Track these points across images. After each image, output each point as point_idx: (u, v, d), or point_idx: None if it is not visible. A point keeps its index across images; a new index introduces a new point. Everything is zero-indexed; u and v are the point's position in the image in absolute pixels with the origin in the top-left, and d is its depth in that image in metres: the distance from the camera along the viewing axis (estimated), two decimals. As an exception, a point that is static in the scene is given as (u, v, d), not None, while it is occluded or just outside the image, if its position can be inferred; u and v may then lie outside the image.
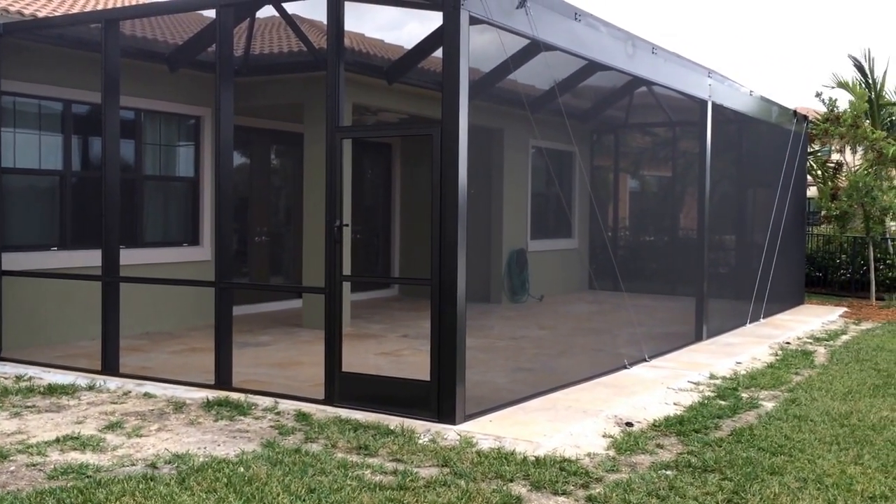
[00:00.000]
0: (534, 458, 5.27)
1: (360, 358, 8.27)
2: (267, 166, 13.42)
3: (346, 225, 6.85)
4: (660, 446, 5.69)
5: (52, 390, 7.10)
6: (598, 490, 4.76)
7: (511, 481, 4.89)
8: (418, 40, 10.41)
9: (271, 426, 6.07)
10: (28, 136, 9.51)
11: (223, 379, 7.21)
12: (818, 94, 17.18)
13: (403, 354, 9.03)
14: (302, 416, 6.27)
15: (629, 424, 6.17)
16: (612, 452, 5.52)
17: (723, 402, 6.97)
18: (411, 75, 11.15)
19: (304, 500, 4.53)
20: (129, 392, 7.14)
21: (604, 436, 5.89)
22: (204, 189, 11.22)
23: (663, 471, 5.12)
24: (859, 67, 18.02)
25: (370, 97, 11.18)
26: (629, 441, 5.71)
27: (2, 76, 8.40)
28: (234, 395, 6.83)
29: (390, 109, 12.05)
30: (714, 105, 10.57)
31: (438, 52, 10.45)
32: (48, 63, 9.31)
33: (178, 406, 6.64)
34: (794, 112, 13.90)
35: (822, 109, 17.91)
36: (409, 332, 10.53)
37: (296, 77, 10.83)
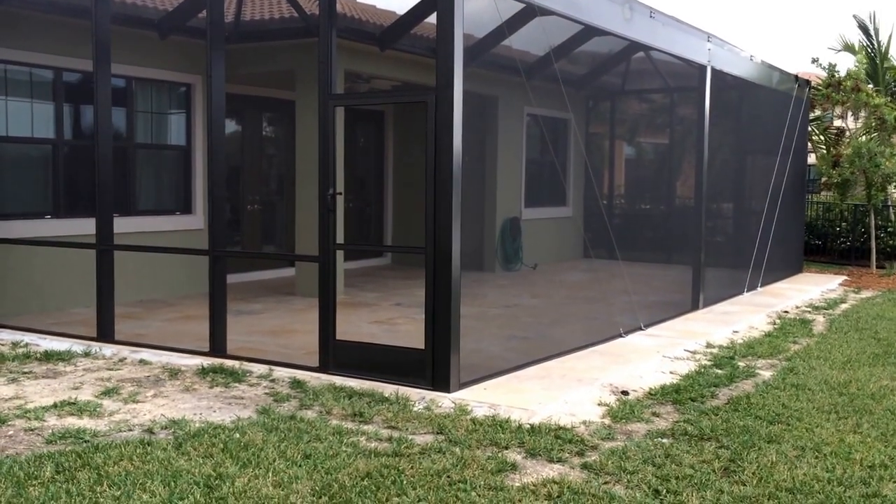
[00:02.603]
0: (528, 426, 5.34)
1: (353, 326, 8.33)
2: (258, 134, 13.37)
3: (340, 193, 6.86)
4: (656, 415, 5.76)
5: (48, 356, 7.16)
6: (593, 458, 4.84)
7: (506, 448, 4.97)
8: (411, 5, 10.31)
9: (266, 393, 6.14)
10: (20, 104, 9.46)
11: (218, 346, 7.27)
12: (815, 60, 17.07)
13: (397, 323, 9.09)
14: (297, 384, 6.34)
15: (625, 393, 6.24)
16: (607, 420, 5.60)
17: (719, 371, 7.04)
18: (404, 41, 11.09)
19: (299, 465, 4.60)
20: (125, 359, 7.20)
21: (599, 404, 5.96)
22: (196, 157, 11.20)
23: (659, 439, 5.19)
24: (864, 29, 17.91)
25: (362, 64, 11.11)
26: (625, 409, 5.77)
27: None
28: (229, 363, 6.89)
29: (383, 77, 11.98)
30: (713, 70, 10.52)
31: (432, 18, 10.37)
32: (38, 30, 9.23)
33: (174, 373, 6.70)
34: (796, 77, 13.83)
35: (822, 75, 17.83)
36: (402, 301, 10.58)
37: (287, 44, 10.76)
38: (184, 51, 10.66)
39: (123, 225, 9.26)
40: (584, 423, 5.51)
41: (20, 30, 9.04)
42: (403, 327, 8.73)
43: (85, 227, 8.62)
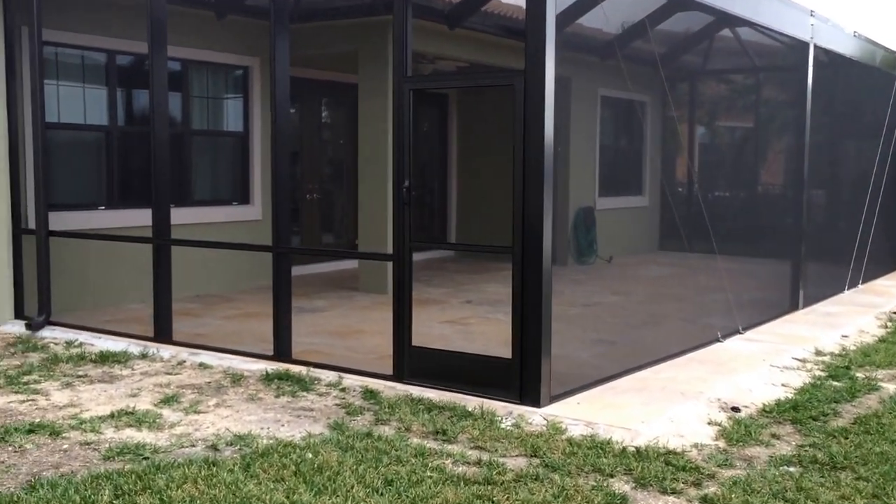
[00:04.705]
0: (634, 450, 4.87)
1: (424, 326, 7.91)
2: (317, 120, 13.07)
3: (409, 185, 6.44)
4: (775, 436, 5.23)
5: (103, 358, 6.96)
6: (712, 489, 4.35)
7: (611, 476, 4.51)
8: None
9: (337, 405, 5.79)
10: (71, 89, 9.28)
11: (282, 350, 6.95)
12: None
13: (470, 323, 8.69)
14: (369, 394, 5.97)
15: (735, 409, 5.71)
16: (721, 443, 5.09)
17: (837, 384, 6.44)
18: (474, 19, 10.66)
19: (381, 493, 4.23)
20: (184, 362, 6.95)
21: (709, 423, 5.45)
22: (254, 144, 10.94)
23: (785, 467, 4.68)
24: None
25: (428, 44, 10.69)
26: (739, 430, 5.25)
27: (42, 25, 8.12)
28: (295, 368, 6.57)
29: (449, 57, 11.54)
30: (816, 47, 9.83)
31: (503, -6, 9.95)
32: (90, 11, 9.00)
33: (236, 379, 6.42)
34: (901, 55, 12.97)
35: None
36: (472, 298, 10.18)
37: (350, 23, 10.40)
38: (241, 32, 10.37)
39: (179, 216, 8.97)
40: (695, 445, 5.02)
41: (71, 11, 8.82)
42: (477, 328, 8.32)
43: (140, 218, 8.41)
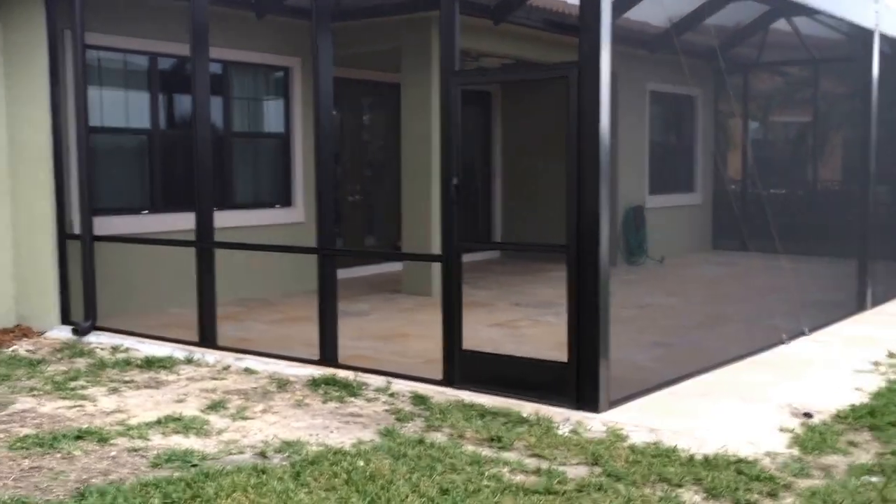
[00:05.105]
0: (702, 458, 4.67)
1: (471, 329, 7.70)
2: (359, 120, 13.03)
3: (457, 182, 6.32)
4: (853, 444, 4.99)
5: (149, 363, 6.97)
6: (789, 501, 4.15)
7: (679, 486, 4.33)
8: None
9: (386, 410, 5.69)
10: (114, 93, 9.34)
11: (328, 354, 6.88)
12: None
13: (520, 326, 8.54)
14: (419, 399, 5.86)
15: (808, 415, 5.47)
16: (795, 451, 4.86)
17: (914, 388, 6.18)
18: (519, 14, 10.54)
19: (437, 503, 4.11)
20: (229, 367, 6.92)
21: (780, 429, 5.22)
22: (295, 146, 10.91)
23: (867, 477, 4.45)
24: None
25: (471, 40, 10.56)
26: (814, 436, 5.02)
27: (84, 29, 8.16)
28: (342, 373, 6.49)
29: (494, 54, 11.41)
30: (881, 35, 9.50)
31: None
32: (132, 14, 9.05)
33: (282, 384, 6.36)
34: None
35: None
36: (520, 300, 10.02)
37: (391, 20, 10.33)
38: (282, 31, 10.36)
39: (221, 219, 8.97)
40: (767, 454, 4.80)
41: (113, 14, 8.86)
42: (528, 331, 8.16)
43: (183, 221, 8.40)
